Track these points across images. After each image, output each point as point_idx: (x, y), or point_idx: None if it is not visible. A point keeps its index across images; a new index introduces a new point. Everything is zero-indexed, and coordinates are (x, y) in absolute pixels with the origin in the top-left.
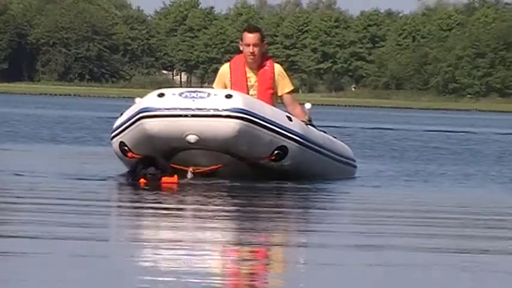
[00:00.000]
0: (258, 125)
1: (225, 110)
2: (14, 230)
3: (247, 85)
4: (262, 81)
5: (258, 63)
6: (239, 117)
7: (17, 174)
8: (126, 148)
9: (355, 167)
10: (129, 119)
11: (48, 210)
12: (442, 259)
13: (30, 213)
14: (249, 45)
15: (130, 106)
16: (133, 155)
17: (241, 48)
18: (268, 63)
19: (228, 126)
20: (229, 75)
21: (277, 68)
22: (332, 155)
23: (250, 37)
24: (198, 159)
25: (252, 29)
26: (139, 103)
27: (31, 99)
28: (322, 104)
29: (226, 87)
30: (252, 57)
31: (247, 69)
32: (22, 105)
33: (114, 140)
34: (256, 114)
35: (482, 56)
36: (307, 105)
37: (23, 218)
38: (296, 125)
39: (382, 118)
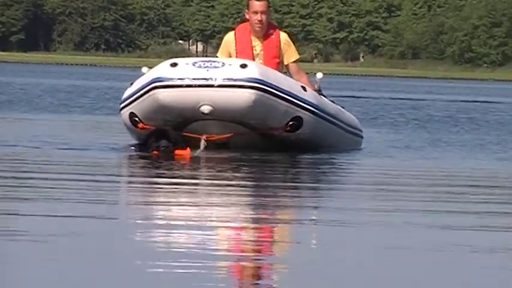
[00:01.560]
0: (274, 95)
1: (240, 80)
2: (18, 207)
3: (252, 54)
4: (268, 49)
5: (264, 32)
6: (254, 87)
7: (25, 146)
8: (136, 119)
9: (362, 137)
10: (140, 89)
11: (56, 186)
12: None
13: (36, 188)
14: (256, 12)
15: (139, 76)
16: (144, 126)
17: (247, 17)
18: (273, 31)
19: (243, 96)
20: (234, 44)
21: (283, 36)
22: (343, 125)
23: (257, 4)
24: (210, 130)
25: None
26: (151, 73)
27: (47, 69)
28: (337, 74)
29: (230, 56)
30: (259, 25)
31: (252, 37)
32: (39, 75)
33: (124, 110)
34: (271, 84)
35: (498, 25)
36: (319, 75)
37: (28, 194)
38: (310, 95)
39: (397, 87)
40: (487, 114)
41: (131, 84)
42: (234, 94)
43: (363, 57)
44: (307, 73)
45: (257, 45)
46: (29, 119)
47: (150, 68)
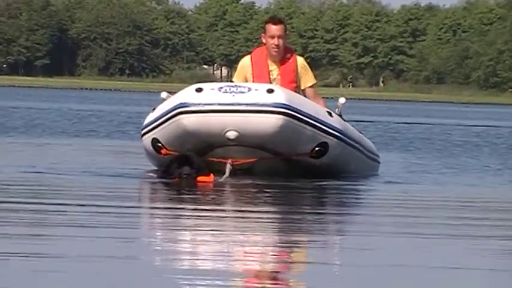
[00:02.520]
0: (300, 121)
1: (267, 105)
2: (41, 232)
3: (269, 78)
4: (285, 74)
5: (281, 56)
6: (281, 113)
7: (47, 172)
8: (159, 145)
9: (379, 162)
10: (164, 115)
11: (80, 212)
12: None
13: (60, 213)
14: (273, 37)
15: (161, 101)
16: (168, 152)
17: (263, 41)
18: (290, 55)
19: (270, 122)
20: (250, 68)
21: (300, 60)
22: (364, 150)
23: (274, 29)
24: (234, 156)
25: (276, 21)
26: (176, 98)
27: (71, 94)
28: (363, 99)
29: (247, 81)
30: (276, 49)
31: (269, 62)
32: (62, 100)
33: (146, 136)
34: (298, 109)
35: None
36: (342, 100)
37: (50, 219)
38: (336, 120)
39: (423, 112)
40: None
41: (153, 109)
42: (260, 119)
43: (382, 81)
44: (331, 97)
45: (274, 69)
46: (49, 144)
47: (170, 93)
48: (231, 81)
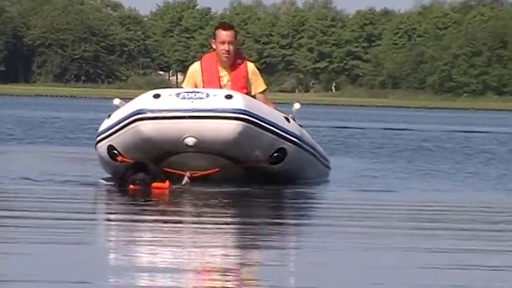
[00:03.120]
0: (259, 127)
1: (226, 111)
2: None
3: (220, 84)
4: (235, 80)
5: (232, 62)
6: (240, 118)
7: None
8: (115, 152)
9: (330, 168)
10: (120, 121)
11: (32, 224)
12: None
13: (10, 225)
14: (224, 42)
15: (115, 108)
16: (124, 159)
17: (214, 46)
18: (241, 61)
19: (229, 128)
20: (200, 75)
21: (250, 66)
22: (318, 156)
23: (224, 34)
24: (191, 163)
25: (226, 26)
26: (133, 104)
27: (27, 101)
28: (318, 104)
29: (196, 87)
30: (226, 55)
31: (219, 67)
32: (18, 107)
33: (102, 143)
34: (257, 115)
35: (478, 54)
36: (296, 105)
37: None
38: (293, 126)
39: (377, 117)
40: (462, 144)
41: (109, 116)
42: (219, 125)
43: (335, 87)
44: (287, 103)
45: (224, 75)
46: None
47: (123, 99)
48: (181, 87)
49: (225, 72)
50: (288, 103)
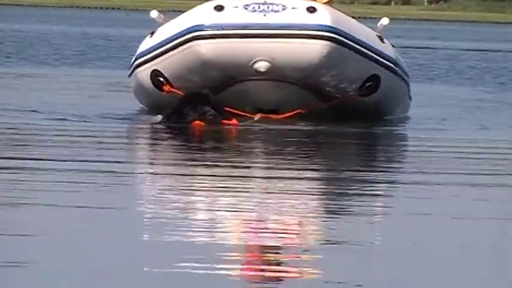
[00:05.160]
0: (350, 48)
1: (309, 28)
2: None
3: None
4: None
5: None
6: (327, 38)
7: (33, 111)
8: (161, 79)
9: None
10: (170, 41)
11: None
12: None
13: (37, 171)
14: None
15: (159, 24)
16: (172, 90)
17: None
18: None
19: (313, 49)
20: None
21: None
22: (408, 86)
23: None
24: (259, 95)
25: None
26: (189, 19)
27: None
28: (419, 19)
29: None
30: None
31: None
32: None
33: (142, 68)
34: (346, 33)
35: None
36: (384, 21)
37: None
38: (388, 47)
39: (493, 36)
40: None
41: (152, 33)
42: (300, 46)
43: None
44: (375, 17)
45: None
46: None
47: (161, 12)
48: None
49: None
50: (376, 18)
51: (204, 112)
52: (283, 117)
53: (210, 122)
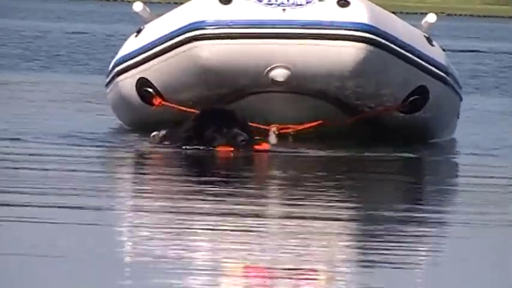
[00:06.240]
0: (392, 52)
1: (341, 27)
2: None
3: None
4: None
5: None
6: (364, 39)
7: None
8: (150, 90)
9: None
10: (162, 41)
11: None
12: None
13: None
14: None
15: (145, 19)
16: (163, 103)
17: None
18: None
19: (345, 54)
20: None
21: None
22: (460, 101)
23: None
24: (276, 110)
25: None
26: (187, 13)
27: None
28: (460, 14)
29: None
30: None
31: None
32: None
33: (124, 76)
34: (388, 33)
35: None
36: (431, 18)
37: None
38: (438, 51)
39: None
40: None
41: (138, 32)
42: (329, 50)
43: None
44: (415, 13)
45: None
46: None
47: (147, 5)
48: None
49: None
50: (416, 13)
51: (234, 136)
52: (303, 128)
53: (241, 147)
